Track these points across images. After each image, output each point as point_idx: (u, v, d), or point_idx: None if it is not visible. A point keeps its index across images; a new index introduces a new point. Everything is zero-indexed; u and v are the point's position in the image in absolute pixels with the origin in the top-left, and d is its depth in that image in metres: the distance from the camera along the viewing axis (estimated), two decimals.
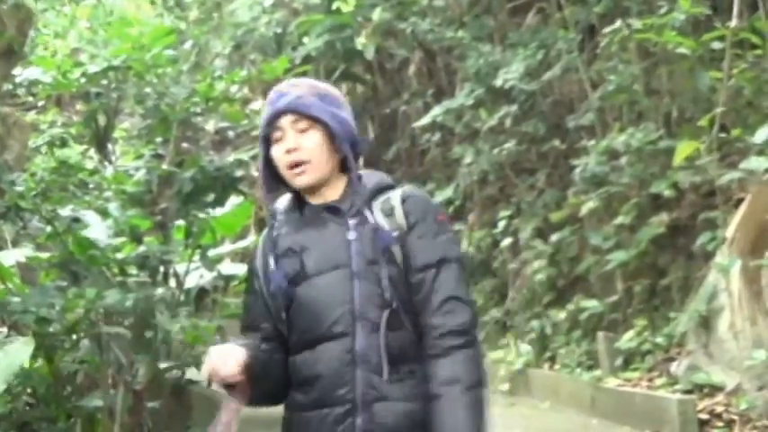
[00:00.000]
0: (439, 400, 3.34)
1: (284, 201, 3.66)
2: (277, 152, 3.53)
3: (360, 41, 14.92)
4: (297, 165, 3.50)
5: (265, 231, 3.66)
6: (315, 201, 3.58)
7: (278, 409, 3.64)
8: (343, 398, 3.39)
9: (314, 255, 3.50)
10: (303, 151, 3.49)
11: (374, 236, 3.46)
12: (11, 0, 6.04)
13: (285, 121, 3.52)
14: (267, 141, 3.57)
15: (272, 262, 3.55)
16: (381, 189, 3.58)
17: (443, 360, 3.37)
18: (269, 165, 3.58)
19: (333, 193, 3.58)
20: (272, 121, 3.53)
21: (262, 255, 3.62)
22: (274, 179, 3.60)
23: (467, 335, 3.40)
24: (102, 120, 9.39)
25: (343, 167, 3.59)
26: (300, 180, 3.52)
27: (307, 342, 3.47)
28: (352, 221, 3.50)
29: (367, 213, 3.50)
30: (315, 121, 3.51)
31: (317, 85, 3.62)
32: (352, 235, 3.48)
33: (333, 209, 3.54)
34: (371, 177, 3.62)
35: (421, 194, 3.62)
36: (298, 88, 3.57)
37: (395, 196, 3.54)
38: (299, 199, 3.62)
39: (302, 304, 3.48)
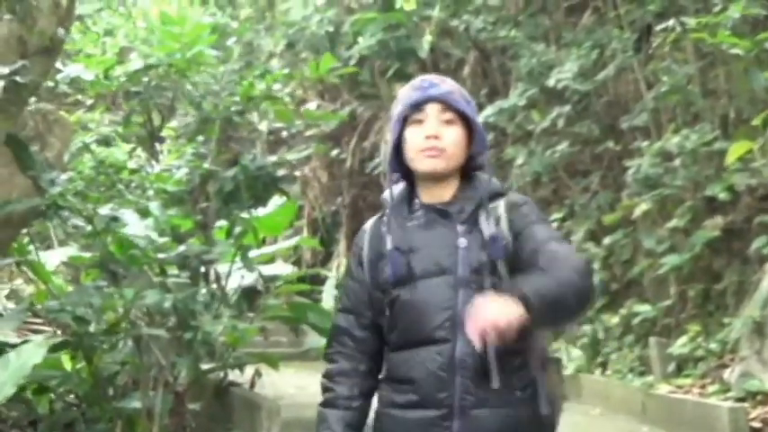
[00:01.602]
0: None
1: (394, 193, 3.72)
2: (413, 134, 3.60)
3: (425, 39, 14.81)
4: (433, 149, 3.57)
5: (372, 221, 3.76)
6: (426, 198, 3.65)
7: None
8: (441, 402, 3.47)
9: (421, 257, 3.55)
10: (443, 140, 3.56)
11: (484, 245, 3.50)
12: None
13: (432, 108, 3.58)
14: (402, 123, 3.64)
15: (374, 258, 3.64)
16: (493, 196, 3.60)
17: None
18: (397, 147, 3.67)
19: (445, 192, 3.63)
20: (420, 105, 3.60)
21: (369, 246, 3.69)
22: (396, 162, 3.69)
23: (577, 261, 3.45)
24: (156, 119, 9.40)
25: (462, 170, 3.66)
26: (431, 162, 3.59)
27: (407, 342, 3.55)
28: (461, 228, 3.55)
29: (480, 220, 3.54)
30: (460, 116, 3.60)
31: (462, 89, 3.69)
32: (462, 242, 3.53)
33: (443, 212, 3.60)
34: (484, 183, 3.63)
35: (522, 199, 3.66)
36: (447, 84, 3.65)
37: (501, 205, 3.58)
38: (410, 193, 3.70)
39: (405, 305, 3.54)
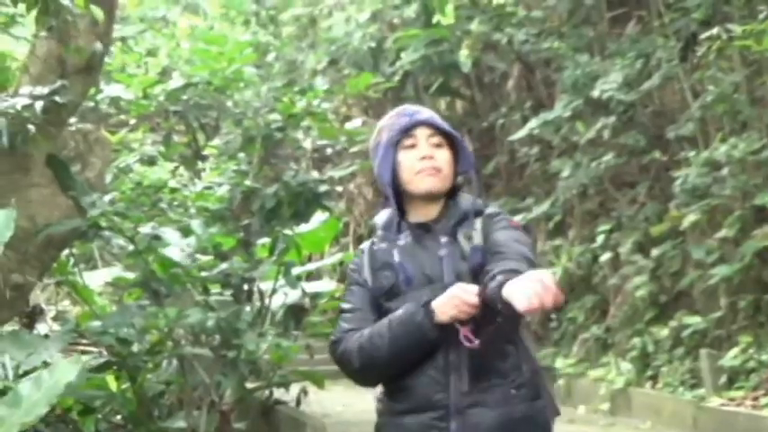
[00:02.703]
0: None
1: (383, 217, 3.93)
2: (407, 158, 3.79)
3: (462, 54, 14.77)
4: (430, 169, 3.76)
5: (367, 244, 3.93)
6: (413, 218, 3.84)
7: None
8: (438, 403, 3.63)
9: (408, 270, 3.75)
10: (437, 161, 3.77)
11: (464, 256, 3.71)
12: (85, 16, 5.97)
13: (421, 132, 3.80)
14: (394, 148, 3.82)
15: (369, 275, 3.81)
16: (476, 213, 3.80)
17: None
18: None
19: (431, 211, 3.83)
20: (409, 129, 3.80)
21: (368, 265, 3.84)
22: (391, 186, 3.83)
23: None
24: (201, 138, 9.42)
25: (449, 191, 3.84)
26: (430, 182, 3.77)
27: None
28: (444, 239, 3.75)
29: (459, 236, 3.74)
30: (447, 139, 3.81)
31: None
32: (443, 251, 3.73)
33: (426, 227, 3.80)
34: (469, 202, 3.85)
35: (495, 211, 3.86)
36: (428, 111, 3.90)
37: (478, 221, 3.78)
38: (399, 215, 3.86)
39: None
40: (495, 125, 15.74)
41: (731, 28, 10.09)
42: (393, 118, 3.88)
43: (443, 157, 3.79)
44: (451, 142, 3.84)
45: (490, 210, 3.86)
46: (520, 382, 3.68)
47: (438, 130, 3.82)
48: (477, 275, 3.62)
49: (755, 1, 10.58)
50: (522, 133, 13.79)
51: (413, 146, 3.79)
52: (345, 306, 3.88)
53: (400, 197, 3.85)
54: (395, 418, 3.74)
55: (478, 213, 3.82)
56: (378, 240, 3.89)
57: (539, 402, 3.73)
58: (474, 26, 14.70)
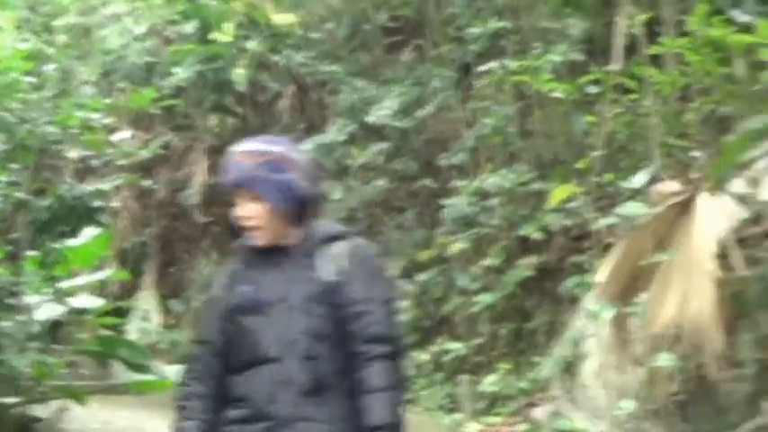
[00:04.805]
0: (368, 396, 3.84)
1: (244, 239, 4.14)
2: (236, 212, 4.07)
3: (237, 72, 14.67)
4: (249, 227, 4.04)
5: (228, 264, 4.27)
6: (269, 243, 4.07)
7: None
8: (270, 414, 3.88)
9: (260, 289, 4.01)
10: (254, 219, 4.03)
11: (316, 279, 3.95)
12: None
13: (237, 191, 4.04)
14: None
15: (224, 292, 4.09)
16: (332, 238, 4.05)
17: (368, 371, 3.85)
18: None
19: (290, 236, 4.06)
20: (228, 190, 4.07)
21: (224, 284, 4.14)
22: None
23: (391, 359, 3.90)
24: None
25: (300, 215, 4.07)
26: (256, 238, 4.05)
27: (244, 364, 3.98)
28: (297, 262, 4.01)
29: (315, 258, 3.99)
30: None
31: (267, 152, 4.07)
32: (294, 274, 4.00)
33: (282, 250, 4.04)
34: (325, 228, 4.13)
35: (365, 247, 4.15)
36: (248, 158, 4.05)
37: (343, 246, 4.03)
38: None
39: (246, 331, 3.99)
40: None
41: (508, 63, 10.35)
42: (226, 164, 4.12)
43: (260, 211, 4.02)
44: None
45: (357, 243, 4.10)
46: (353, 400, 3.86)
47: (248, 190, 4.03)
48: (326, 300, 3.92)
49: (529, 38, 10.89)
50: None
51: (237, 202, 4.06)
52: (195, 336, 4.28)
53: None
54: (234, 426, 3.96)
55: (336, 238, 4.05)
56: (237, 259, 4.18)
57: (355, 424, 3.87)
58: (251, 45, 14.64)
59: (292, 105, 15.53)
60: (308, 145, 13.37)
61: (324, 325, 3.93)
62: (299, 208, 4.06)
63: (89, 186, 9.09)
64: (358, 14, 14.15)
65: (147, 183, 16.39)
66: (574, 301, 9.59)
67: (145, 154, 13.71)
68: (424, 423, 10.53)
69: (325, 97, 14.54)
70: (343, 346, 3.91)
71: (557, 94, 9.68)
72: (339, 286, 3.94)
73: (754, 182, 8.51)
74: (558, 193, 9.35)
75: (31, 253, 7.91)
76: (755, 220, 8.38)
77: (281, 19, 14.68)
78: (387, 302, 4.02)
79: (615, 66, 9.02)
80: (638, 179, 8.50)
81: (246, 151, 4.09)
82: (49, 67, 10.44)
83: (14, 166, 7.84)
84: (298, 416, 3.86)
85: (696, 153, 8.64)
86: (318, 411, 3.86)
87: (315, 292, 3.95)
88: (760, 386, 7.44)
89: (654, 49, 8.56)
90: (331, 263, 3.99)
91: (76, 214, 7.55)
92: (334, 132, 13.22)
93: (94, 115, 7.92)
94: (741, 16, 8.13)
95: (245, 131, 16.53)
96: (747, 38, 7.77)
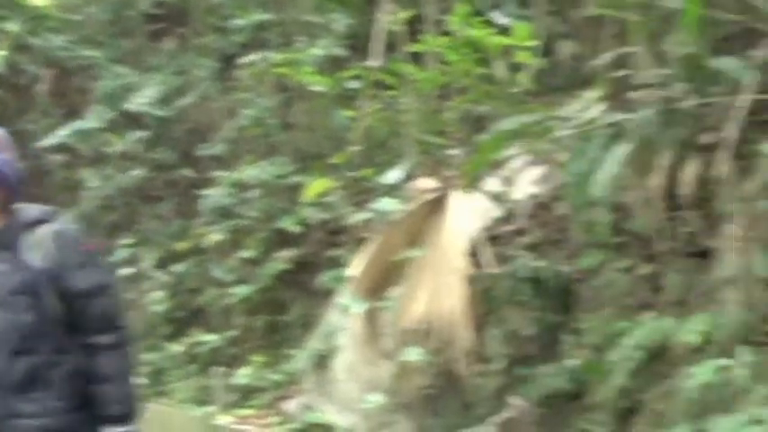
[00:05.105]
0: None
1: None
2: None
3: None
4: None
5: None
6: None
7: None
8: None
9: None
10: None
11: (21, 268, 3.80)
12: None
13: None
14: None
15: None
16: (36, 222, 3.93)
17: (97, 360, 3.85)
18: None
19: None
20: None
21: None
22: None
23: (119, 347, 3.91)
24: None
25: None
26: None
27: None
28: (2, 254, 3.85)
29: (18, 247, 3.84)
30: None
31: None
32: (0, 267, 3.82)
33: None
34: (31, 211, 3.99)
35: (71, 230, 4.04)
36: None
37: (47, 230, 3.90)
38: None
39: None
40: (25, 130, 15.20)
41: (269, 55, 10.34)
42: None
43: None
44: None
45: (64, 229, 3.97)
46: (70, 394, 3.82)
47: None
48: (35, 290, 3.79)
49: (293, 31, 10.91)
50: (51, 140, 13.39)
51: None
52: None
53: None
54: None
55: (40, 222, 3.94)
56: None
57: (81, 414, 3.86)
58: (10, 26, 14.16)
59: (51, 90, 15.10)
60: (66, 131, 13.06)
61: (34, 317, 3.80)
62: (5, 192, 3.96)
63: None
64: None
65: None
66: (329, 294, 9.64)
67: None
68: (175, 415, 10.42)
69: (86, 83, 14.20)
70: (59, 337, 3.82)
71: (318, 88, 9.72)
72: (51, 275, 3.83)
73: (508, 181, 8.75)
74: (314, 186, 9.39)
75: None
76: (508, 218, 8.62)
77: (41, 0, 14.28)
78: (106, 289, 3.95)
79: (375, 62, 9.11)
80: (393, 175, 8.62)
81: None
82: None
83: None
84: (6, 413, 3.74)
85: (453, 151, 8.81)
86: (31, 407, 3.76)
87: (21, 282, 3.81)
88: (507, 381, 7.64)
89: (414, 47, 8.69)
90: (36, 249, 3.85)
91: None
92: (93, 119, 12.91)
93: None
94: (501, 18, 8.34)
95: (2, 115, 16.00)
96: (505, 40, 7.97)
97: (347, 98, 9.79)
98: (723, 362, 5.85)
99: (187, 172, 12.27)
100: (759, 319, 6.19)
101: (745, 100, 6.39)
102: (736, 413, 5.63)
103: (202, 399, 10.44)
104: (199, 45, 12.28)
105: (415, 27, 9.18)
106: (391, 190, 8.71)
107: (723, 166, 6.38)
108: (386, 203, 8.59)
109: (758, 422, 5.42)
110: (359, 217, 9.13)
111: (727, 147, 6.37)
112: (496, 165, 8.85)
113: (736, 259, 6.29)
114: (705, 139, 6.80)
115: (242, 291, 10.48)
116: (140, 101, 12.20)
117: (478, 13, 8.18)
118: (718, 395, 5.82)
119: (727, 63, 6.58)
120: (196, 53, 12.26)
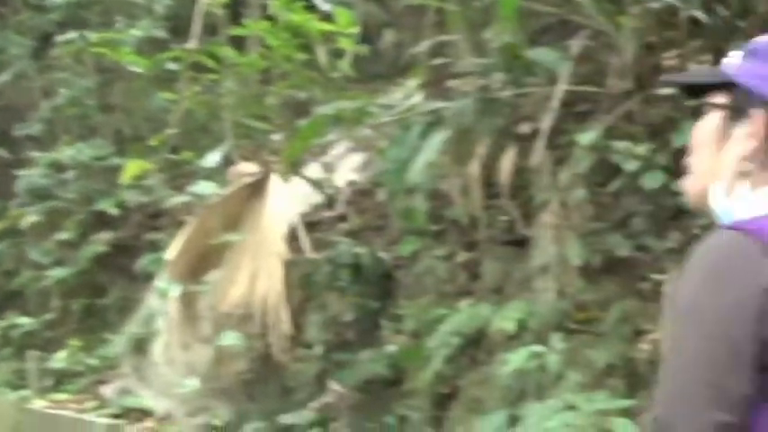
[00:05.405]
0: None
1: None
2: None
3: None
4: None
5: None
6: None
7: None
8: None
9: None
10: None
11: None
12: None
13: None
14: None
15: None
16: None
17: None
18: None
19: None
20: None
21: None
22: None
23: None
24: None
25: None
26: None
27: None
28: None
29: None
30: None
31: None
32: None
33: None
34: None
35: None
36: None
37: None
38: None
39: None
40: None
41: (87, 34, 10.17)
42: None
43: None
44: None
45: None
46: None
47: None
48: None
49: (112, 11, 10.76)
50: None
51: None
52: None
53: None
54: None
55: None
56: None
57: None
58: None
59: None
60: None
61: None
62: None
63: None
64: None
65: None
66: (148, 278, 9.57)
67: None
68: None
69: None
70: None
71: (137, 70, 9.61)
72: None
73: (329, 167, 8.81)
74: (130, 168, 9.27)
75: None
76: (329, 204, 8.68)
77: None
78: None
79: (193, 44, 9.04)
80: (211, 159, 8.59)
81: None
82: None
83: None
84: None
85: (274, 136, 8.82)
86: None
87: None
88: (326, 366, 7.71)
89: (235, 31, 8.66)
90: None
91: None
92: None
93: None
94: (324, 4, 8.36)
95: None
96: (327, 26, 8.01)
97: (167, 80, 9.70)
98: (537, 348, 6.00)
99: (2, 152, 11.99)
100: (572, 307, 6.38)
101: (560, 91, 6.55)
102: (549, 399, 5.80)
103: (17, 383, 10.24)
104: (15, 22, 11.99)
105: (237, 10, 9.14)
106: (211, 173, 8.68)
107: (539, 155, 6.54)
108: (204, 187, 8.55)
109: (571, 408, 5.59)
110: (178, 200, 9.08)
111: (543, 136, 6.53)
112: (318, 151, 8.91)
113: (550, 247, 6.46)
114: (522, 128, 6.99)
115: (59, 273, 10.32)
116: None
117: None
118: (532, 381, 5.99)
119: (543, 54, 6.75)
120: (12, 30, 11.97)
